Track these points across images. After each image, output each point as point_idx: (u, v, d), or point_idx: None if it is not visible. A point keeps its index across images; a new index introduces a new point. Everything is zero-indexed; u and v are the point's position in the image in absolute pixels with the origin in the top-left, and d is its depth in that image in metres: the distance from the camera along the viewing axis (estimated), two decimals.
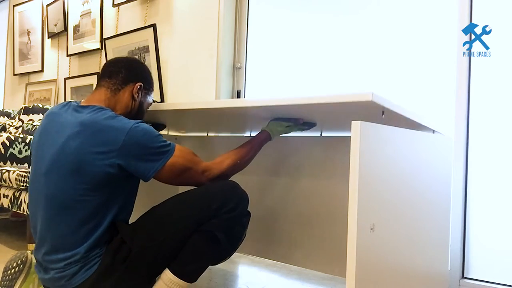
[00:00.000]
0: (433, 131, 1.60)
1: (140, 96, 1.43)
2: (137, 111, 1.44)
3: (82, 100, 1.38)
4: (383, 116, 1.19)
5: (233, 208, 1.28)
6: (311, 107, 1.24)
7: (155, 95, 2.89)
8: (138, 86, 1.41)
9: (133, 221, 1.32)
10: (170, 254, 1.25)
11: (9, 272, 1.31)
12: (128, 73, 1.40)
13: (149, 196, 1.47)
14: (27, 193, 2.16)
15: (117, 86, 1.38)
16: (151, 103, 1.52)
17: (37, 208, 1.28)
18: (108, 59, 3.24)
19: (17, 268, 1.32)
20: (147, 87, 1.46)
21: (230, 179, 1.40)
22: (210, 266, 1.34)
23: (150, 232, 1.26)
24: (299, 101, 1.20)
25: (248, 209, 1.37)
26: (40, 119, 3.18)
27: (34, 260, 1.35)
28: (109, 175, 1.20)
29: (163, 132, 2.10)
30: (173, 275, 1.24)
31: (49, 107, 3.33)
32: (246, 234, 1.40)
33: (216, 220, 1.26)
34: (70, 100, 1.34)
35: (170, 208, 1.31)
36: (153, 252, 1.24)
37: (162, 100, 2.89)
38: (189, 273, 1.26)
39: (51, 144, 1.25)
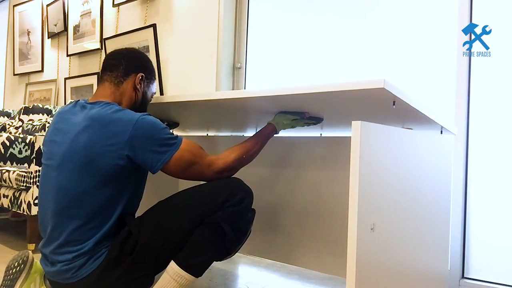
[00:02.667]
0: (441, 131, 1.60)
1: (142, 86, 1.44)
2: (141, 102, 1.45)
3: (89, 98, 1.39)
4: (394, 106, 1.15)
5: (238, 202, 1.29)
6: (320, 97, 1.20)
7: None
8: (140, 77, 1.42)
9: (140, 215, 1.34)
10: (176, 246, 1.26)
11: (10, 271, 1.32)
12: (129, 64, 1.41)
13: (154, 192, 1.48)
14: (27, 193, 2.17)
15: (119, 79, 1.39)
16: (154, 92, 1.53)
17: (47, 203, 1.28)
18: None
19: (18, 268, 1.32)
20: (149, 77, 1.47)
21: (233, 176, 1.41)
22: (210, 266, 1.34)
23: (156, 224, 1.28)
24: (309, 90, 1.15)
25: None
26: (40, 119, 3.18)
27: (35, 260, 1.36)
28: (119, 167, 1.22)
29: None
30: (178, 267, 1.24)
31: (49, 107, 3.33)
32: (251, 231, 1.40)
33: (222, 212, 1.27)
34: (78, 99, 1.36)
35: (176, 201, 1.33)
36: (159, 244, 1.25)
37: None
38: (194, 266, 1.25)
39: (61, 141, 1.27)
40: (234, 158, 1.36)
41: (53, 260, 1.25)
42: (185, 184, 1.37)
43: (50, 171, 1.29)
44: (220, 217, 1.27)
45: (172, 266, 1.25)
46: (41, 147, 1.42)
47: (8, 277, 1.31)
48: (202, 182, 1.37)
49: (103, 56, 3.34)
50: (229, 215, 1.28)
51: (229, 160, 1.35)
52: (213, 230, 1.27)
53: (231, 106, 1.51)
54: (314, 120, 1.51)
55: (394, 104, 1.14)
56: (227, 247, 1.33)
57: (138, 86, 1.41)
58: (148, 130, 1.23)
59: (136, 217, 1.34)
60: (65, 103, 3.64)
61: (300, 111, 1.47)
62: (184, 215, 1.28)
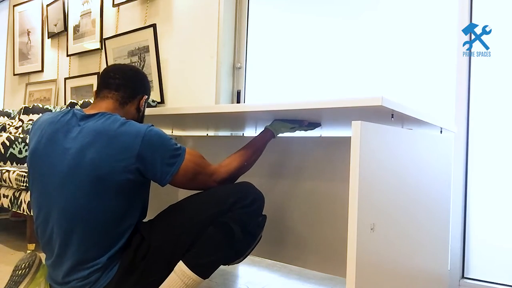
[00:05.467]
0: (441, 130, 1.60)
1: (144, 106, 1.45)
2: (140, 120, 1.46)
3: (87, 104, 1.37)
4: (392, 118, 1.19)
5: (248, 204, 1.29)
6: (318, 111, 1.24)
7: (155, 95, 2.90)
8: (144, 99, 1.43)
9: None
10: (187, 247, 1.25)
11: (16, 273, 1.30)
12: (136, 87, 1.40)
13: (153, 198, 1.48)
14: (27, 193, 2.17)
15: (125, 100, 1.36)
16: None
17: (48, 223, 1.24)
18: (108, 59, 3.24)
19: (23, 271, 1.30)
20: (148, 97, 1.48)
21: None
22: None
23: (167, 227, 1.27)
24: (307, 106, 1.19)
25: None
26: None
27: (43, 262, 1.33)
28: (128, 182, 1.19)
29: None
30: (186, 267, 1.23)
31: (49, 107, 3.33)
32: (261, 236, 1.40)
33: (231, 213, 1.27)
34: (70, 108, 1.33)
35: (187, 204, 1.32)
36: (171, 246, 1.24)
37: (162, 100, 2.89)
38: (202, 266, 1.24)
39: (60, 156, 1.21)
40: (235, 167, 1.37)
41: (66, 280, 1.22)
42: (184, 191, 1.37)
43: (50, 189, 1.22)
44: (230, 218, 1.26)
45: (180, 265, 1.24)
46: (27, 158, 1.32)
47: (14, 278, 1.29)
48: None
49: (103, 56, 3.34)
50: (238, 216, 1.27)
51: (231, 169, 1.36)
52: (222, 230, 1.26)
53: (229, 117, 1.54)
54: (312, 127, 1.54)
55: (392, 117, 1.16)
56: (236, 248, 1.32)
57: (141, 107, 1.42)
58: (157, 142, 1.21)
59: (147, 221, 1.33)
60: (65, 103, 3.64)
61: (299, 119, 1.50)
62: (195, 217, 1.27)
